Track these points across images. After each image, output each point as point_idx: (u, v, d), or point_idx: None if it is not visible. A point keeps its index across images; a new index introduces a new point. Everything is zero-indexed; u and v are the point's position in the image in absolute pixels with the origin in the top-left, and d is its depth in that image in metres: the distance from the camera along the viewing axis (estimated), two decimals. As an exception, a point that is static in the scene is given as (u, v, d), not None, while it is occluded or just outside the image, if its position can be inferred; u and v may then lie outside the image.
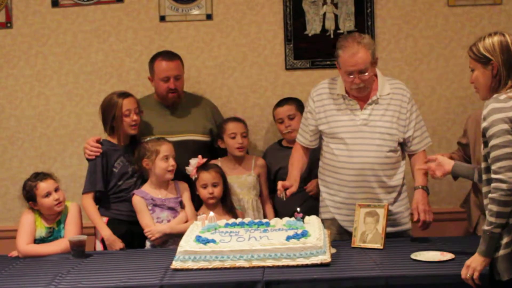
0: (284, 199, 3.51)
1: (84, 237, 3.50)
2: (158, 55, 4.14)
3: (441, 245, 3.21)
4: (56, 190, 3.63)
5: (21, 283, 3.02)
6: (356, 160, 3.51)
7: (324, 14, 4.46)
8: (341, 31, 4.45)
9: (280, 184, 3.52)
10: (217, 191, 3.85)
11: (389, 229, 3.42)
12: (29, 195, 3.62)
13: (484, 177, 2.73)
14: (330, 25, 4.46)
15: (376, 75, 3.55)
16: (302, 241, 3.04)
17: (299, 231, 3.15)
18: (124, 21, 4.52)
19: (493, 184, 2.62)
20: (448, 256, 3.04)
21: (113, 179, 3.83)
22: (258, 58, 4.53)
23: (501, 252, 2.61)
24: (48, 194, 3.60)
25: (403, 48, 4.48)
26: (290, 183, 3.53)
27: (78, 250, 3.45)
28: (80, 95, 4.55)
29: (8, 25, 4.51)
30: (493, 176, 2.62)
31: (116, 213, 3.83)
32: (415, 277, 2.86)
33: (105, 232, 3.71)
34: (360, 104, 3.53)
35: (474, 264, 2.67)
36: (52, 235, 3.64)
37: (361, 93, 3.49)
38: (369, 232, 3.35)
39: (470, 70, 2.83)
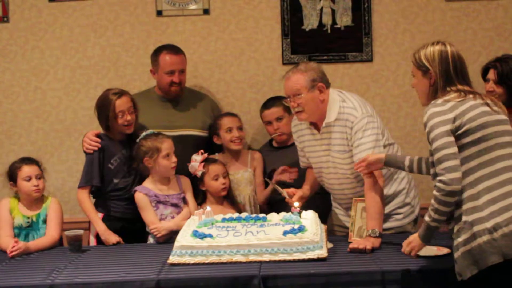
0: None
1: (81, 231, 3.50)
2: (163, 48, 4.15)
3: (438, 240, 3.21)
4: (39, 177, 3.67)
5: (18, 277, 3.02)
6: (336, 187, 3.59)
7: (321, 9, 4.45)
8: (338, 26, 4.45)
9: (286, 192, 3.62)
10: (228, 182, 3.87)
11: (387, 225, 3.43)
12: (11, 175, 3.69)
13: (431, 171, 2.81)
14: (327, 20, 4.45)
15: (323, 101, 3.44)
16: (299, 236, 3.05)
17: (296, 226, 3.16)
18: (121, 16, 4.51)
19: (436, 184, 2.70)
20: (444, 250, 3.05)
21: (108, 176, 3.81)
22: (255, 53, 4.52)
23: (461, 249, 2.63)
24: (29, 179, 3.64)
25: (400, 43, 4.49)
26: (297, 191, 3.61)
27: (75, 244, 3.45)
28: (77, 89, 4.55)
29: (5, 19, 4.51)
30: (437, 178, 2.70)
31: (112, 210, 3.82)
32: (412, 271, 2.86)
33: (100, 227, 3.70)
34: (318, 130, 3.52)
35: (414, 243, 2.86)
36: (30, 226, 3.64)
37: (300, 117, 3.46)
38: (365, 227, 3.34)
39: (412, 75, 2.92)
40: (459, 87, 2.76)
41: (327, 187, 3.67)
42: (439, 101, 2.74)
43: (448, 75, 2.77)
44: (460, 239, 2.64)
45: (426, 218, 2.77)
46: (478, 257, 2.57)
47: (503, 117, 2.76)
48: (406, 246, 2.89)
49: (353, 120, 3.38)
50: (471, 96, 2.74)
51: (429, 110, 2.74)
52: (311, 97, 3.39)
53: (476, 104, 2.72)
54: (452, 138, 2.67)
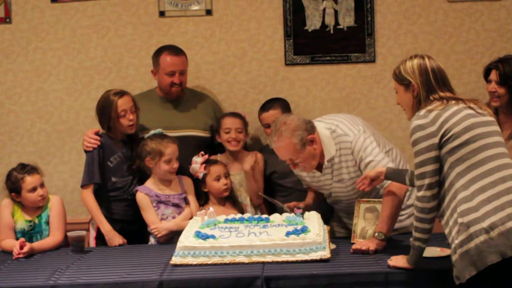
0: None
1: (83, 232, 3.50)
2: (163, 49, 4.14)
3: (441, 241, 3.21)
4: (42, 185, 3.62)
5: (20, 278, 3.02)
6: (347, 208, 3.58)
7: (324, 10, 4.45)
8: (341, 27, 4.45)
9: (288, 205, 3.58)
10: (229, 182, 3.88)
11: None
12: (14, 187, 3.60)
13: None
14: (330, 20, 4.45)
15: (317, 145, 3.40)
16: (302, 237, 3.04)
17: (299, 227, 3.15)
18: (123, 17, 4.51)
19: (414, 201, 2.82)
20: (447, 252, 3.03)
21: (107, 174, 3.80)
22: (257, 53, 4.52)
23: (458, 251, 2.63)
24: (33, 189, 3.58)
25: (403, 44, 4.48)
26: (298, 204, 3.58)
27: (77, 245, 3.45)
28: (79, 90, 4.55)
29: (7, 20, 4.51)
30: (415, 193, 2.82)
31: (111, 212, 3.81)
32: (415, 273, 2.86)
33: (106, 227, 3.70)
34: (319, 169, 3.49)
35: (400, 261, 2.89)
36: (33, 229, 3.61)
37: (306, 171, 3.48)
38: (369, 228, 3.35)
39: (395, 92, 2.98)
40: (441, 94, 2.81)
41: (337, 208, 3.69)
42: (422, 111, 2.78)
43: (429, 85, 2.83)
44: (457, 241, 2.64)
45: (411, 238, 2.84)
46: (476, 258, 2.57)
47: (489, 118, 2.79)
48: (393, 258, 2.93)
49: (349, 146, 3.36)
50: (453, 102, 2.78)
51: (413, 122, 2.78)
52: (307, 154, 3.34)
53: (459, 109, 2.75)
54: (433, 154, 2.72)
